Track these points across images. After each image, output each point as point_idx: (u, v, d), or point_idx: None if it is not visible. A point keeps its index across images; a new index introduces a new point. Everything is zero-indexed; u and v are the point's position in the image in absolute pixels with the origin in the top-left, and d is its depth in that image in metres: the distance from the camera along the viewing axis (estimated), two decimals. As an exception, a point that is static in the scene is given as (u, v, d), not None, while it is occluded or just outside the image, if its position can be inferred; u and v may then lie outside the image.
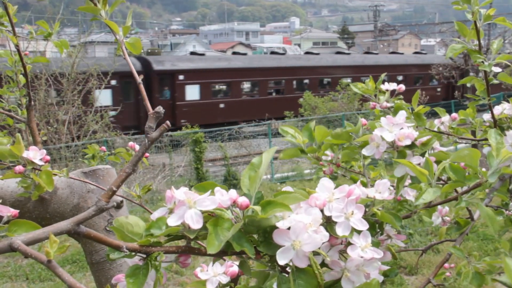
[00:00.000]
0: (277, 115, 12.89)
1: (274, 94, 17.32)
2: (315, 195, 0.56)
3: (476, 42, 0.95)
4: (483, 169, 0.66)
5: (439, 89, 20.82)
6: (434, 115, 1.05)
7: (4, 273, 5.06)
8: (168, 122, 0.59)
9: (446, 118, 1.05)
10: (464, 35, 0.92)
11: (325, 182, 0.58)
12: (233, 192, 0.55)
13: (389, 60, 20.46)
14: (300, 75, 17.62)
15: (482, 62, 0.93)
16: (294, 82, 17.64)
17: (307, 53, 24.26)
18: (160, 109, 0.60)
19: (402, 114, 0.75)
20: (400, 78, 19.56)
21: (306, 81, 17.96)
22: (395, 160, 0.68)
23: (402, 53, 24.24)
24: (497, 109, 1.01)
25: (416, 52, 24.77)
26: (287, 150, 0.85)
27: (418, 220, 5.55)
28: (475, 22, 0.89)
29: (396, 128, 0.72)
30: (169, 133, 8.95)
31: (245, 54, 20.06)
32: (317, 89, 17.64)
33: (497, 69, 0.95)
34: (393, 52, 25.34)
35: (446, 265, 1.01)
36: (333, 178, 0.95)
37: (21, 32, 1.37)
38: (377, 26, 38.12)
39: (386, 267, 0.70)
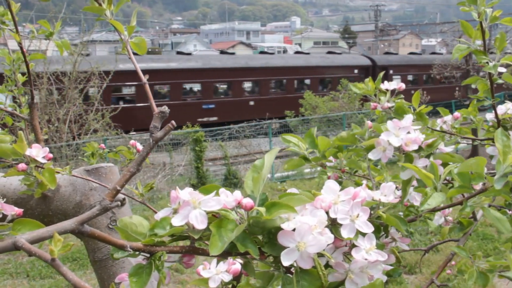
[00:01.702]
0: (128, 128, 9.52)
1: (122, 103, 12.97)
2: (321, 197, 0.56)
3: (481, 42, 0.94)
4: (485, 170, 0.66)
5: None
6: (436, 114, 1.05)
7: (5, 270, 5.06)
8: (173, 122, 0.59)
9: (448, 117, 1.05)
10: (469, 35, 0.91)
11: (331, 184, 0.57)
12: (238, 193, 0.55)
13: (284, 62, 17.04)
14: (155, 80, 13.45)
15: (487, 63, 0.92)
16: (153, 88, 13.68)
17: (297, 52, 21.72)
18: (165, 108, 0.60)
19: (409, 117, 0.74)
20: (307, 82, 16.78)
21: (166, 87, 14.35)
22: (403, 165, 0.67)
23: (308, 53, 20.72)
24: (500, 109, 1.01)
25: (329, 52, 21.12)
26: (292, 160, 0.86)
27: (419, 220, 5.54)
28: (480, 22, 0.89)
29: (403, 132, 0.72)
30: (169, 131, 8.87)
31: (87, 55, 13.68)
32: (180, 96, 14.28)
33: (501, 69, 0.94)
34: (298, 52, 21.64)
35: (446, 263, 1.01)
36: (338, 183, 0.94)
37: (22, 31, 1.37)
38: (378, 26, 38.10)
39: (389, 267, 0.71)
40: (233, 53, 19.17)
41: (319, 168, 1.00)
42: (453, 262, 1.11)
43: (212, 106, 14.87)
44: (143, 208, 6.56)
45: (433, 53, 24.82)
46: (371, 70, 18.17)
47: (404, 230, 0.61)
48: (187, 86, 15.00)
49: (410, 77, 19.15)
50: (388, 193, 0.61)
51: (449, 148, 0.83)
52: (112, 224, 1.09)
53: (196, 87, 15.12)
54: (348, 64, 18.12)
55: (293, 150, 0.82)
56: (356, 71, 17.88)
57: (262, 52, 22.58)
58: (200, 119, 12.39)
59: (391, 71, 18.24)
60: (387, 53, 23.47)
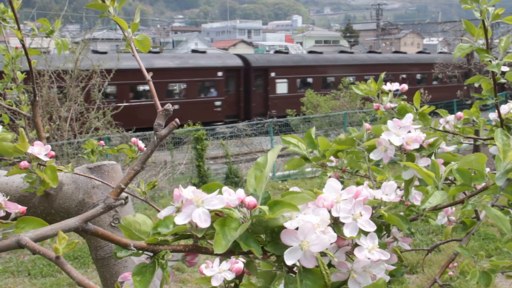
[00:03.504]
0: None
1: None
2: (323, 196, 0.56)
3: (483, 41, 0.94)
4: (488, 170, 0.66)
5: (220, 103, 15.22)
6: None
7: (6, 268, 5.07)
8: (177, 120, 0.59)
9: (451, 117, 1.05)
10: (472, 33, 0.91)
11: (333, 183, 0.57)
12: (241, 192, 0.55)
13: (114, 64, 11.89)
14: None
15: (490, 61, 0.92)
16: None
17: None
18: (169, 106, 0.60)
19: (409, 116, 0.74)
20: (145, 88, 13.35)
21: None
22: (405, 164, 0.67)
23: (158, 52, 16.53)
24: (503, 109, 1.01)
25: (193, 51, 18.08)
26: (292, 160, 0.86)
27: (420, 219, 5.54)
28: (483, 21, 0.89)
29: (404, 131, 0.72)
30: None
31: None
32: None
33: (504, 68, 0.94)
34: (151, 52, 17.37)
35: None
36: (340, 182, 0.95)
37: (24, 28, 1.36)
38: (380, 24, 38.06)
39: (392, 267, 0.71)
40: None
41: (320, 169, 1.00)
42: (455, 264, 1.11)
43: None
44: (145, 207, 6.57)
45: (421, 52, 23.89)
46: (242, 73, 15.57)
47: (406, 229, 0.61)
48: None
49: (305, 81, 15.94)
50: (389, 192, 0.61)
51: (451, 147, 0.83)
52: (115, 222, 1.09)
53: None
54: (209, 66, 14.97)
55: (294, 150, 0.82)
56: (220, 74, 15.04)
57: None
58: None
59: (273, 74, 15.76)
60: (277, 51, 19.93)
